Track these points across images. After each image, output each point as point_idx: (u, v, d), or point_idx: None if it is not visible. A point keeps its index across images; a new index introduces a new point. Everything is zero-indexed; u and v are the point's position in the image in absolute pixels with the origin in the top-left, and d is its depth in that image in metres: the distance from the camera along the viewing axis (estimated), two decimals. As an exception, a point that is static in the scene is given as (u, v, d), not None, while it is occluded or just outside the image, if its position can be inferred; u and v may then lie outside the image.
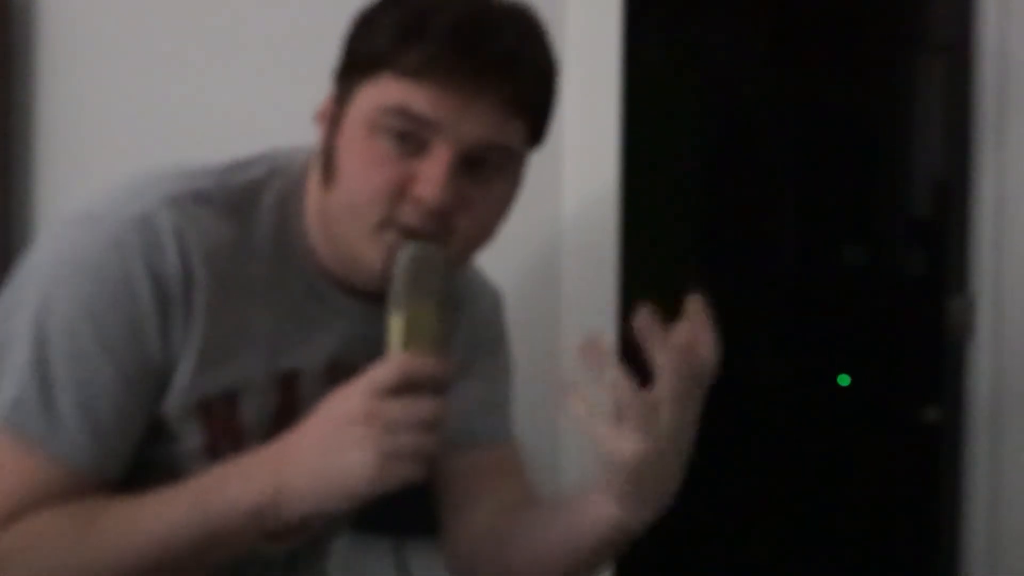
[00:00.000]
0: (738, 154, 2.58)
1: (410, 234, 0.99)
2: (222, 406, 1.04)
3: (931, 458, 2.13)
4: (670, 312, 0.94)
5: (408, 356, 0.93)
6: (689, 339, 0.92)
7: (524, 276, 1.75)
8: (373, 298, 1.03)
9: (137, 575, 0.96)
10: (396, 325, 0.94)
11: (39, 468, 0.97)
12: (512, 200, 1.06)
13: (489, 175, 1.01)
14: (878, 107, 2.48)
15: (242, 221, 1.04)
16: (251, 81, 1.69)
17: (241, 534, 0.96)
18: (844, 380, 2.44)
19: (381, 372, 0.91)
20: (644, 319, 0.91)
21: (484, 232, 1.04)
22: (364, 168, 0.99)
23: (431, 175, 0.97)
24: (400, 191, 0.99)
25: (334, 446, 0.91)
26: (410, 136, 0.98)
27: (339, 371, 1.08)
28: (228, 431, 1.05)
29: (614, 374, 0.91)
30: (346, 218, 1.01)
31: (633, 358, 0.93)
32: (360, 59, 1.01)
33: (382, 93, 0.98)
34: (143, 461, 1.03)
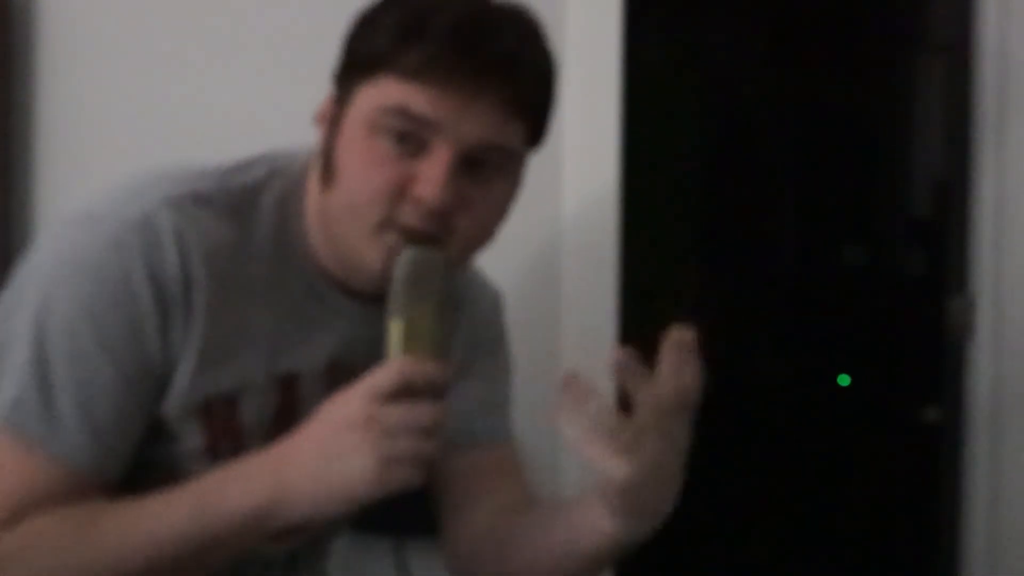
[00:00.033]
0: (738, 154, 2.58)
1: (410, 235, 0.99)
2: (222, 407, 1.04)
3: (931, 458, 2.13)
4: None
5: (407, 361, 0.93)
6: (672, 370, 0.92)
7: (524, 276, 1.75)
8: (373, 299, 1.03)
9: None
10: (395, 329, 0.94)
11: (39, 468, 0.97)
12: (512, 201, 1.06)
13: (489, 176, 1.01)
14: (878, 107, 2.48)
15: (242, 222, 1.04)
16: (251, 81, 1.69)
17: (241, 537, 0.96)
18: (844, 380, 2.44)
19: (380, 377, 0.92)
20: (623, 357, 0.91)
21: (484, 233, 1.04)
22: (364, 168, 0.99)
23: (431, 175, 0.97)
24: (400, 191, 0.99)
25: (334, 451, 0.92)
26: (410, 136, 0.98)
27: (339, 372, 1.08)
28: (228, 432, 1.05)
29: (596, 406, 0.91)
30: (346, 218, 1.01)
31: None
32: (360, 59, 1.01)
33: (382, 93, 0.98)
34: (143, 461, 1.03)
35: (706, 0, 2.54)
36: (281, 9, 1.70)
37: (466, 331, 1.21)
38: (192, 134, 1.66)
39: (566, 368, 1.59)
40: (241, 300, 1.03)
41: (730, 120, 2.64)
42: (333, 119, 1.03)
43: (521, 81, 0.99)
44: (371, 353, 0.97)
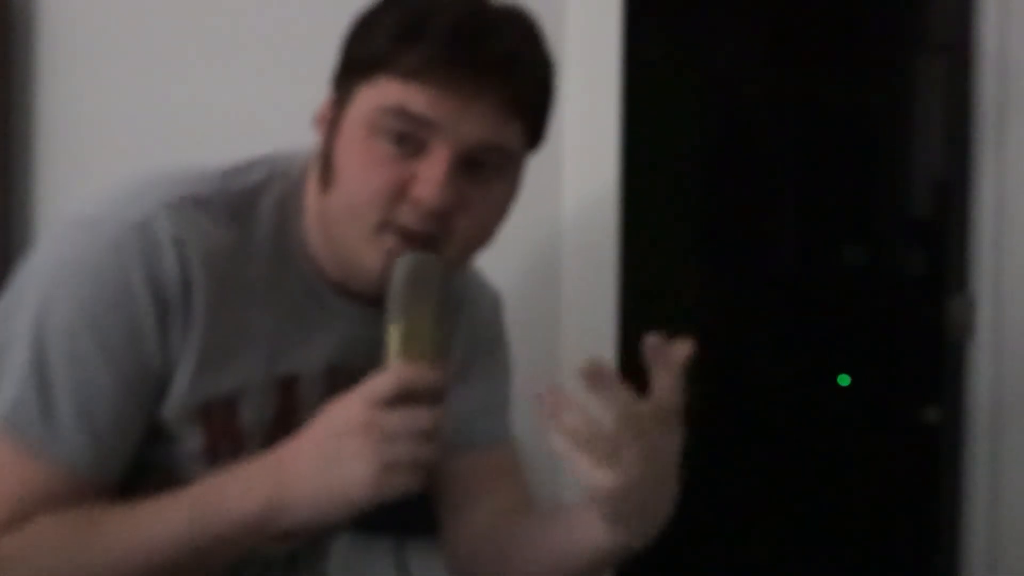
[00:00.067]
0: (738, 154, 2.58)
1: (409, 237, 0.99)
2: (221, 409, 1.04)
3: (931, 458, 2.13)
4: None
5: (406, 366, 0.93)
6: (656, 382, 0.92)
7: (524, 276, 1.75)
8: (372, 300, 1.03)
9: None
10: (394, 335, 0.94)
11: (38, 471, 0.97)
12: (511, 202, 1.06)
13: (488, 176, 1.01)
14: (878, 107, 2.48)
15: (241, 224, 1.04)
16: (251, 81, 1.69)
17: (241, 541, 0.97)
18: (844, 380, 2.44)
19: (379, 382, 0.92)
20: (591, 368, 0.90)
21: (483, 233, 1.04)
22: (363, 169, 0.99)
23: (430, 176, 0.97)
24: (399, 192, 0.99)
25: (333, 456, 0.92)
26: (409, 137, 0.98)
27: (338, 374, 1.09)
28: (227, 434, 1.05)
29: (569, 419, 0.91)
30: (345, 220, 1.01)
31: (634, 359, 0.93)
32: (359, 61, 1.01)
33: (381, 94, 0.98)
34: (142, 463, 1.03)
35: (706, 0, 2.53)
36: (281, 9, 1.70)
37: (465, 331, 1.21)
38: (192, 134, 1.66)
39: (566, 368, 1.59)
40: (240, 302, 1.03)
41: (730, 120, 2.64)
42: (332, 121, 1.03)
43: (520, 82, 0.99)
44: (370, 355, 0.97)
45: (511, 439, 1.25)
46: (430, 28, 0.97)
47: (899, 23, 2.37)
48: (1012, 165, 2.01)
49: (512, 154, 1.03)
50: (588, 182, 1.79)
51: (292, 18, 1.70)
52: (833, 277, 2.57)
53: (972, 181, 2.04)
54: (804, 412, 2.51)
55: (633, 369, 0.95)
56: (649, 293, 2.04)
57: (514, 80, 0.99)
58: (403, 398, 0.91)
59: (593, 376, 0.90)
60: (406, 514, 1.18)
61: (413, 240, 0.99)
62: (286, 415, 1.07)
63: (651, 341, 0.92)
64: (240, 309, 1.03)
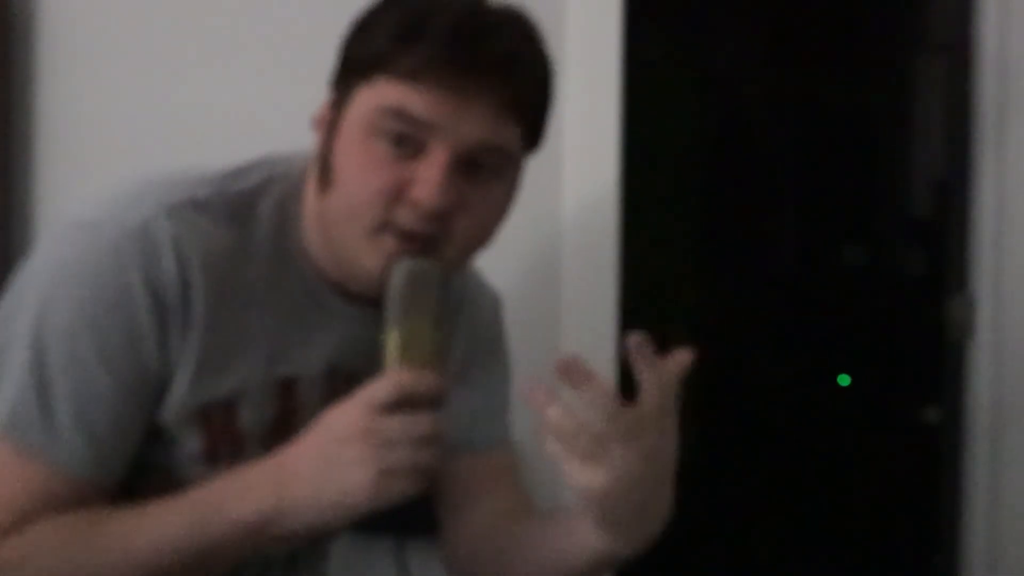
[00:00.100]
0: (738, 154, 2.58)
1: (408, 238, 0.99)
2: (221, 412, 1.04)
3: (931, 458, 2.13)
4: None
5: (405, 372, 0.93)
6: (643, 387, 0.91)
7: (524, 276, 1.75)
8: (371, 302, 1.03)
9: None
10: (393, 341, 0.94)
11: (38, 476, 0.97)
12: (510, 203, 1.06)
13: (487, 178, 1.01)
14: (878, 107, 2.48)
15: (241, 227, 1.04)
16: (251, 82, 1.69)
17: (241, 545, 0.97)
18: (844, 380, 2.44)
19: (378, 389, 0.92)
20: (565, 363, 0.89)
21: (482, 235, 1.04)
22: (361, 171, 0.99)
23: (428, 177, 0.97)
24: (397, 194, 0.98)
25: (333, 463, 0.92)
26: (407, 139, 0.98)
27: (338, 376, 1.09)
28: (227, 436, 1.05)
29: (554, 413, 0.91)
30: (343, 221, 1.01)
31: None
32: (357, 62, 1.01)
33: (379, 95, 0.98)
34: (142, 465, 1.03)
35: (706, 0, 2.53)
36: (281, 9, 1.70)
37: (465, 332, 1.21)
38: (192, 135, 1.66)
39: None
40: (240, 305, 1.03)
41: (730, 120, 2.64)
42: (331, 122, 1.03)
43: (518, 83, 0.99)
44: (370, 355, 0.97)
45: (511, 440, 1.25)
46: (429, 29, 0.97)
47: (899, 23, 2.37)
48: (1012, 165, 2.01)
49: (511, 155, 1.03)
50: (588, 182, 1.79)
51: (292, 18, 1.70)
52: (833, 277, 2.57)
53: (972, 181, 2.04)
54: (804, 412, 2.51)
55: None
56: (649, 293, 2.04)
57: (513, 81, 0.99)
58: (402, 404, 0.91)
59: (567, 370, 0.89)
60: (406, 514, 1.18)
61: (412, 241, 0.99)
62: (286, 416, 1.07)
63: (633, 340, 0.91)
64: (240, 311, 1.03)
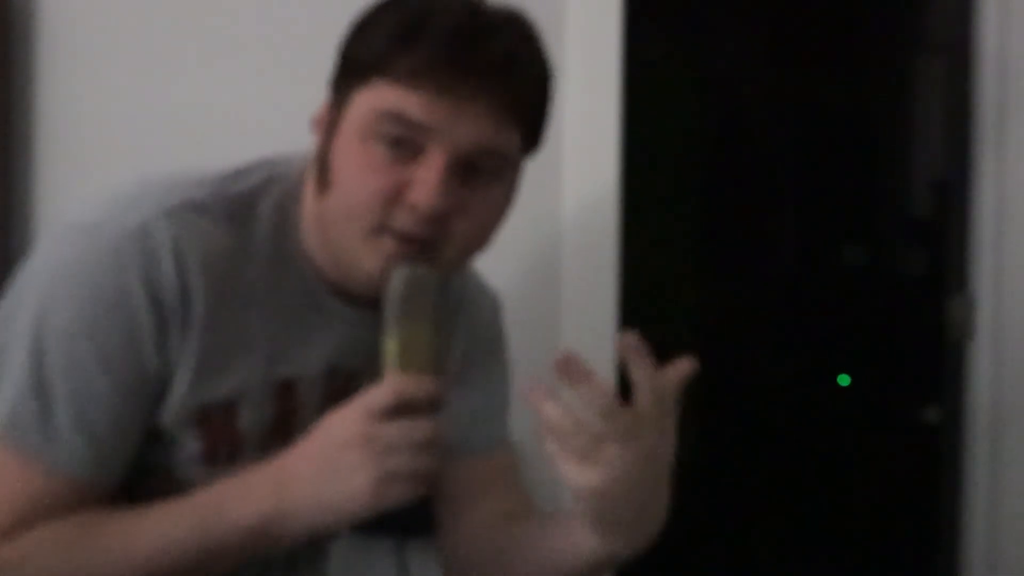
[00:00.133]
0: (738, 154, 2.57)
1: (406, 240, 0.99)
2: (220, 414, 1.04)
3: (931, 458, 2.13)
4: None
5: (403, 378, 0.93)
6: (638, 388, 0.91)
7: (524, 276, 1.75)
8: (370, 303, 1.03)
9: None
10: (391, 347, 0.94)
11: (38, 479, 0.97)
12: (508, 206, 1.06)
13: (485, 181, 1.01)
14: (878, 107, 2.48)
15: (240, 229, 1.04)
16: (251, 82, 1.69)
17: (241, 548, 0.98)
18: (844, 380, 2.44)
19: (377, 395, 0.92)
20: (563, 360, 0.89)
21: (480, 237, 1.04)
22: (359, 173, 0.99)
23: (426, 180, 0.97)
24: (395, 197, 0.98)
25: (332, 469, 0.92)
26: (405, 141, 0.98)
27: (337, 377, 1.09)
28: (226, 438, 1.05)
29: (550, 410, 0.91)
30: (342, 223, 1.01)
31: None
32: (355, 64, 1.01)
33: (377, 98, 0.98)
34: (141, 467, 1.03)
35: (706, 0, 2.53)
36: (281, 9, 1.70)
37: (465, 332, 1.21)
38: (192, 135, 1.66)
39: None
40: (239, 307, 1.03)
41: (730, 120, 2.64)
42: (329, 124, 1.03)
43: (517, 85, 0.99)
44: (369, 357, 0.97)
45: (510, 441, 1.25)
46: (426, 32, 0.97)
47: (899, 23, 2.37)
48: (1012, 165, 2.01)
49: (509, 158, 1.02)
50: (588, 182, 1.79)
51: (292, 18, 1.70)
52: (833, 277, 2.56)
53: (972, 181, 2.04)
54: (804, 412, 2.51)
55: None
56: (649, 293, 2.04)
57: (510, 84, 0.99)
58: (401, 410, 0.92)
59: (565, 367, 0.89)
60: (406, 515, 1.18)
61: (410, 243, 0.99)
62: (285, 418, 1.07)
63: (625, 340, 0.91)
64: (239, 312, 1.03)
